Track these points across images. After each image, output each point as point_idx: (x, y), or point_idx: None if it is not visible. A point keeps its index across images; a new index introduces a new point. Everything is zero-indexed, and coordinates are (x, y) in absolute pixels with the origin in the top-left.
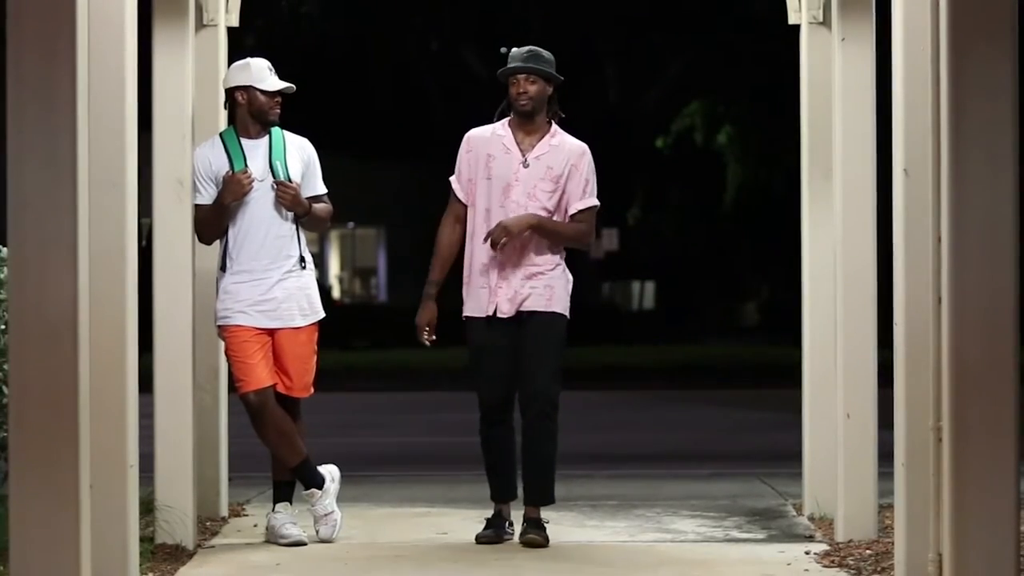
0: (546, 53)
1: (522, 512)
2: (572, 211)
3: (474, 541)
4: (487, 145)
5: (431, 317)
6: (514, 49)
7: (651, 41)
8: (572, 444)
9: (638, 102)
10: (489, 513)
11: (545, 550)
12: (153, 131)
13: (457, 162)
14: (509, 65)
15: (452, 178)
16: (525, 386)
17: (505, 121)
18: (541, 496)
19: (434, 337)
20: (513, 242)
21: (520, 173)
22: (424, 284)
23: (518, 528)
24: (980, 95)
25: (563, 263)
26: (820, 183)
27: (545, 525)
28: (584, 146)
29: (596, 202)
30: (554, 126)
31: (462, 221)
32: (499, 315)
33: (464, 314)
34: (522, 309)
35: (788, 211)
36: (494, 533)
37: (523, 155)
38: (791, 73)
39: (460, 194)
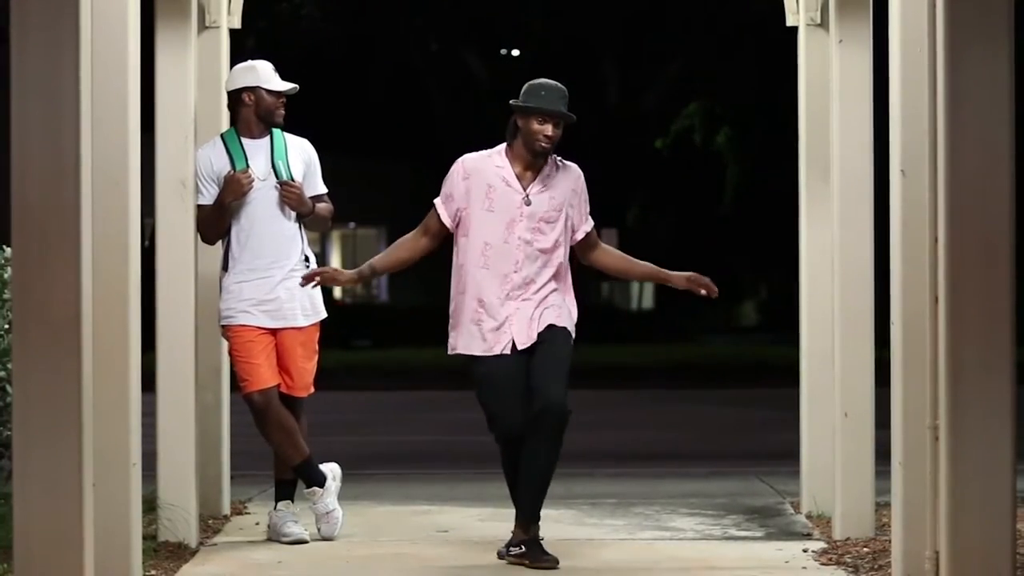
0: (566, 90)
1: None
2: (579, 236)
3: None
4: (486, 175)
5: (340, 272)
6: (540, 81)
7: (651, 42)
8: (572, 443)
9: (637, 103)
10: (490, 512)
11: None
12: (155, 132)
13: (448, 185)
14: (541, 104)
15: (438, 200)
16: (538, 399)
17: (501, 149)
18: (534, 511)
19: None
20: (523, 274)
21: (524, 210)
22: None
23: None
24: (977, 96)
25: (558, 285)
26: (818, 184)
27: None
28: (577, 167)
29: (592, 222)
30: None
31: (432, 238)
32: (518, 348)
33: (461, 352)
34: (539, 331)
35: (786, 211)
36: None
37: (524, 191)
38: (789, 74)
39: (445, 218)
